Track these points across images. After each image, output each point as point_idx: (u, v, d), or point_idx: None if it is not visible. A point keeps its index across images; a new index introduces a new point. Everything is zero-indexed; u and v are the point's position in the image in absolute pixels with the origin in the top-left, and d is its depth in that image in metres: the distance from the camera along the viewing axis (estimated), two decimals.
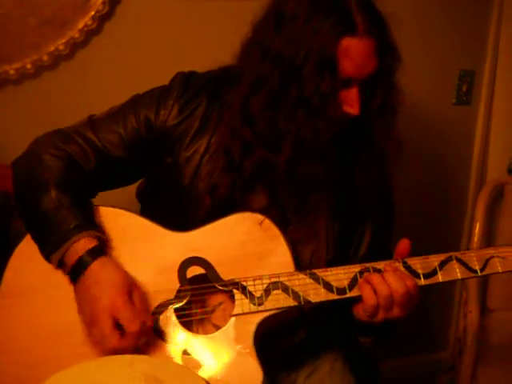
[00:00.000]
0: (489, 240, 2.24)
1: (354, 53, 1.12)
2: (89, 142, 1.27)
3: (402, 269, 1.21)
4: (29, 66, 1.73)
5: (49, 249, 1.17)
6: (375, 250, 1.31)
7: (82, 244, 1.15)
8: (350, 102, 1.16)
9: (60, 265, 1.17)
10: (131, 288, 1.14)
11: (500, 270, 1.26)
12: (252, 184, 1.25)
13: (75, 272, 1.14)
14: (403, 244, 1.23)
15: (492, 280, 2.20)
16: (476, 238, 2.13)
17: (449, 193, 2.41)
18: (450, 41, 2.24)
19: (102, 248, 1.17)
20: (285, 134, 1.18)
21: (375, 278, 1.17)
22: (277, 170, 1.21)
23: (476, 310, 2.10)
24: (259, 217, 1.23)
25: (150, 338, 1.16)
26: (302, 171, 1.21)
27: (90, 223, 1.19)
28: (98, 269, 1.14)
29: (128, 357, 1.08)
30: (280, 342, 1.29)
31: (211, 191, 1.24)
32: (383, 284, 1.16)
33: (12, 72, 1.72)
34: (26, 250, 1.22)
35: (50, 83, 1.78)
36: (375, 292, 1.16)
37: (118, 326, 1.11)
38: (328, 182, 1.25)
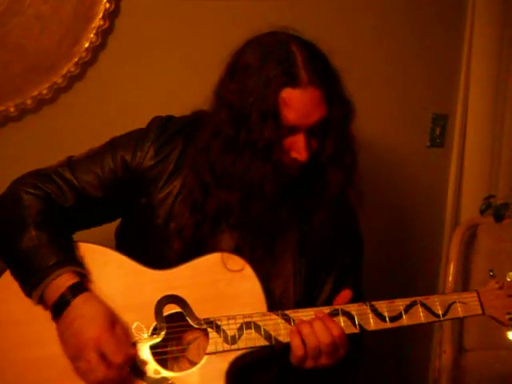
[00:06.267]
0: (463, 279, 2.27)
1: (295, 103, 1.20)
2: (67, 182, 1.31)
3: (369, 311, 1.24)
4: (12, 110, 1.76)
5: (29, 286, 1.19)
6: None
7: (63, 281, 1.17)
8: (297, 149, 1.23)
9: (40, 301, 1.19)
10: (113, 320, 1.17)
11: (461, 314, 1.30)
12: (218, 224, 1.30)
13: (57, 308, 1.17)
14: (343, 294, 1.27)
15: (468, 320, 2.19)
16: (450, 278, 2.16)
17: (424, 234, 2.45)
18: (423, 86, 2.31)
19: (83, 283, 1.20)
20: (235, 176, 1.24)
21: (305, 329, 1.19)
22: (233, 211, 1.27)
23: (450, 350, 2.11)
24: (234, 257, 1.27)
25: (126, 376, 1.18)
26: (254, 212, 1.26)
27: (70, 259, 1.22)
28: (80, 304, 1.16)
29: None
30: (252, 379, 1.31)
31: (179, 232, 1.29)
32: (312, 335, 1.18)
33: None
34: (7, 284, 1.23)
35: (32, 126, 1.81)
36: (304, 342, 1.19)
37: (103, 357, 1.13)
38: (286, 224, 1.30)
